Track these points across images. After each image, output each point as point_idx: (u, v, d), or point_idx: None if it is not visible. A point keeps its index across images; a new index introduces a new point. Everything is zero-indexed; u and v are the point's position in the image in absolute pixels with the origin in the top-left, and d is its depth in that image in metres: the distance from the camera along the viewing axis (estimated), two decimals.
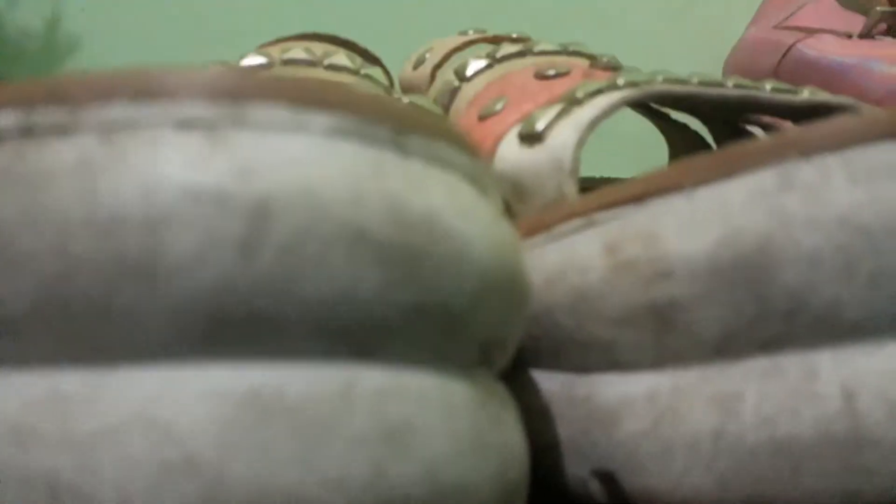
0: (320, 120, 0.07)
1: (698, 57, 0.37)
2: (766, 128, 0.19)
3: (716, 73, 0.35)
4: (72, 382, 0.06)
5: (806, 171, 0.08)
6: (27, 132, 0.06)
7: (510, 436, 0.08)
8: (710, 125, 0.21)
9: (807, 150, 0.08)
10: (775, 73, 0.28)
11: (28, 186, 0.06)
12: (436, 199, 0.07)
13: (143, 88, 0.06)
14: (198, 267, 0.06)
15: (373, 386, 0.06)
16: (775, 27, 0.29)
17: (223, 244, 0.06)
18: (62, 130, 0.06)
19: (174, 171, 0.06)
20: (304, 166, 0.06)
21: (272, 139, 0.06)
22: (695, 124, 0.21)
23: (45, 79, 0.07)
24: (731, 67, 0.32)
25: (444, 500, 0.07)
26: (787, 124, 0.18)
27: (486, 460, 0.07)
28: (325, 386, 0.06)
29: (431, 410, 0.07)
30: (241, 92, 0.07)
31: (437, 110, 0.16)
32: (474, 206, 0.08)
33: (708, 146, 0.22)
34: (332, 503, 0.06)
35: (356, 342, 0.06)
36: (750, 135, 0.20)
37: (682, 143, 0.23)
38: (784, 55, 0.27)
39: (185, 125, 0.06)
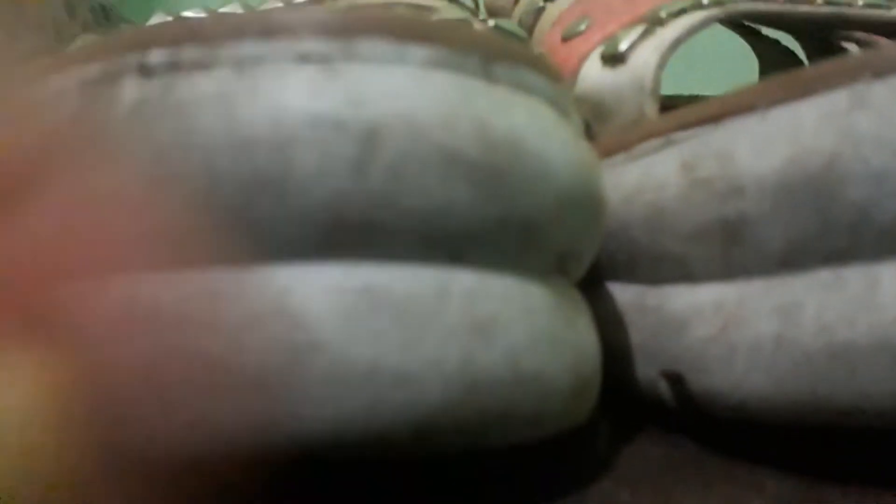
0: (418, 52, 0.08)
1: None
2: (860, 43, 0.19)
3: None
4: (219, 279, 0.07)
5: (878, 92, 0.08)
6: (174, 67, 0.07)
7: (583, 336, 0.09)
8: (802, 41, 0.20)
9: (880, 71, 0.09)
10: None
11: (177, 114, 0.07)
12: (519, 121, 0.08)
13: (268, 27, 0.07)
14: (319, 182, 0.07)
15: (464, 286, 0.07)
16: None
17: (339, 163, 0.07)
18: (203, 65, 0.07)
19: (297, 100, 0.07)
20: (405, 95, 0.07)
21: (378, 70, 0.07)
22: (787, 39, 0.21)
23: (187, 22, 0.08)
24: None
25: (524, 384, 0.08)
26: (883, 40, 0.17)
27: (561, 354, 0.08)
28: (425, 285, 0.07)
29: (513, 308, 0.08)
30: (350, 28, 0.07)
31: (522, 33, 0.16)
32: (554, 128, 0.08)
33: (800, 62, 0.21)
34: (430, 381, 0.07)
35: (449, 249, 0.07)
36: (843, 51, 0.19)
37: (772, 59, 0.22)
38: None
39: (304, 59, 0.07)
